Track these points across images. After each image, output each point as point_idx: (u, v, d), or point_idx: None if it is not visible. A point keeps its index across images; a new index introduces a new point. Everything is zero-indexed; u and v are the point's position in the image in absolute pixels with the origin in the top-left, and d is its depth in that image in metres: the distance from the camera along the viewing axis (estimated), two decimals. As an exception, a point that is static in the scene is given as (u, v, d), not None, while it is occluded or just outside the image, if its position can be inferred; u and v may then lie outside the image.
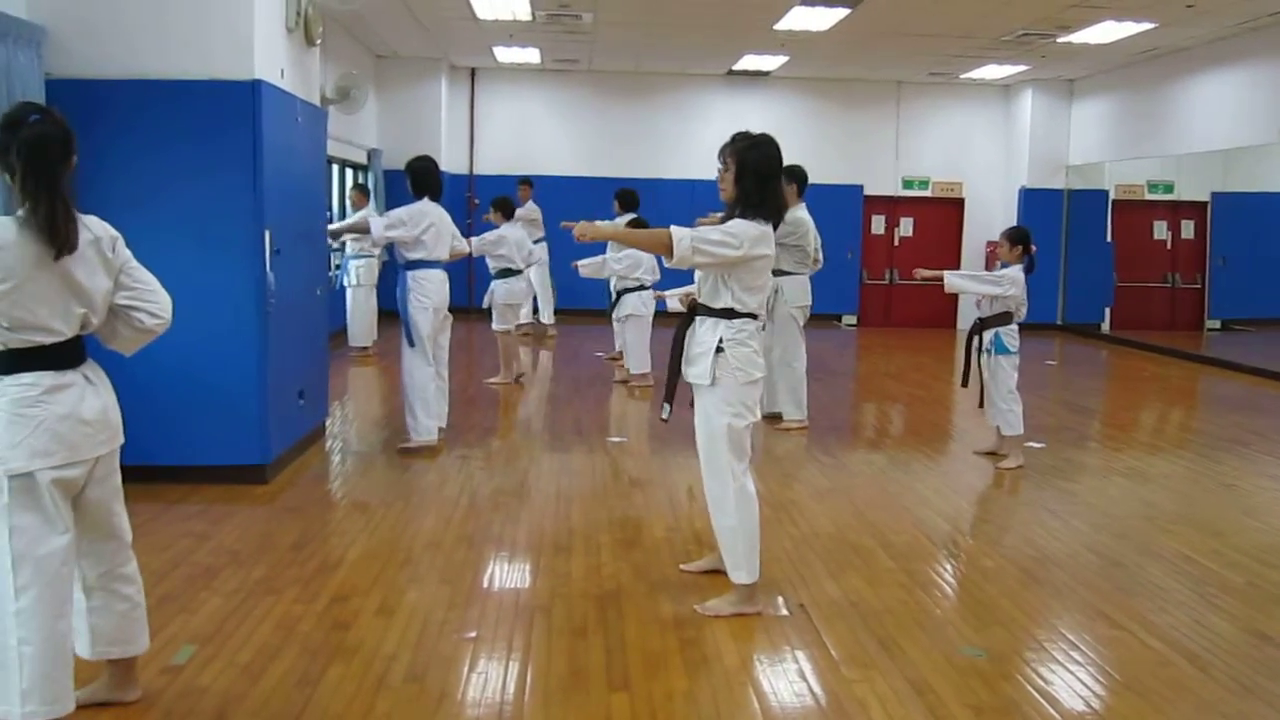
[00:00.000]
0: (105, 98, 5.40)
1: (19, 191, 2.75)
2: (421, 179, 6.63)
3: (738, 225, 3.89)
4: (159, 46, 5.47)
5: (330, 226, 6.87)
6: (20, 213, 2.74)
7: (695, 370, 4.01)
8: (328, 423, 7.14)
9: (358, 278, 11.02)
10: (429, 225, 6.50)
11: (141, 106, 5.43)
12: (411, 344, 6.50)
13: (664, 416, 4.25)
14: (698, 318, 4.05)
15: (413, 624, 3.84)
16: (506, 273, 9.04)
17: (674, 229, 3.86)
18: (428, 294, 6.50)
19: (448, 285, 6.79)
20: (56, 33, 5.39)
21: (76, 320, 2.85)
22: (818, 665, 3.59)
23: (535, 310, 12.28)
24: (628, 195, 10.25)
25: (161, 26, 5.48)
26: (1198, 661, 3.68)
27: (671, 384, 4.19)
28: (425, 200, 6.58)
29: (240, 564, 4.44)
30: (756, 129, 4.12)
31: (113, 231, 2.95)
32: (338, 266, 12.19)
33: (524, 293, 9.58)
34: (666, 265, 4.10)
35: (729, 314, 3.95)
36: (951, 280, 6.67)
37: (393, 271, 7.13)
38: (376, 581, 4.28)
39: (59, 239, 2.72)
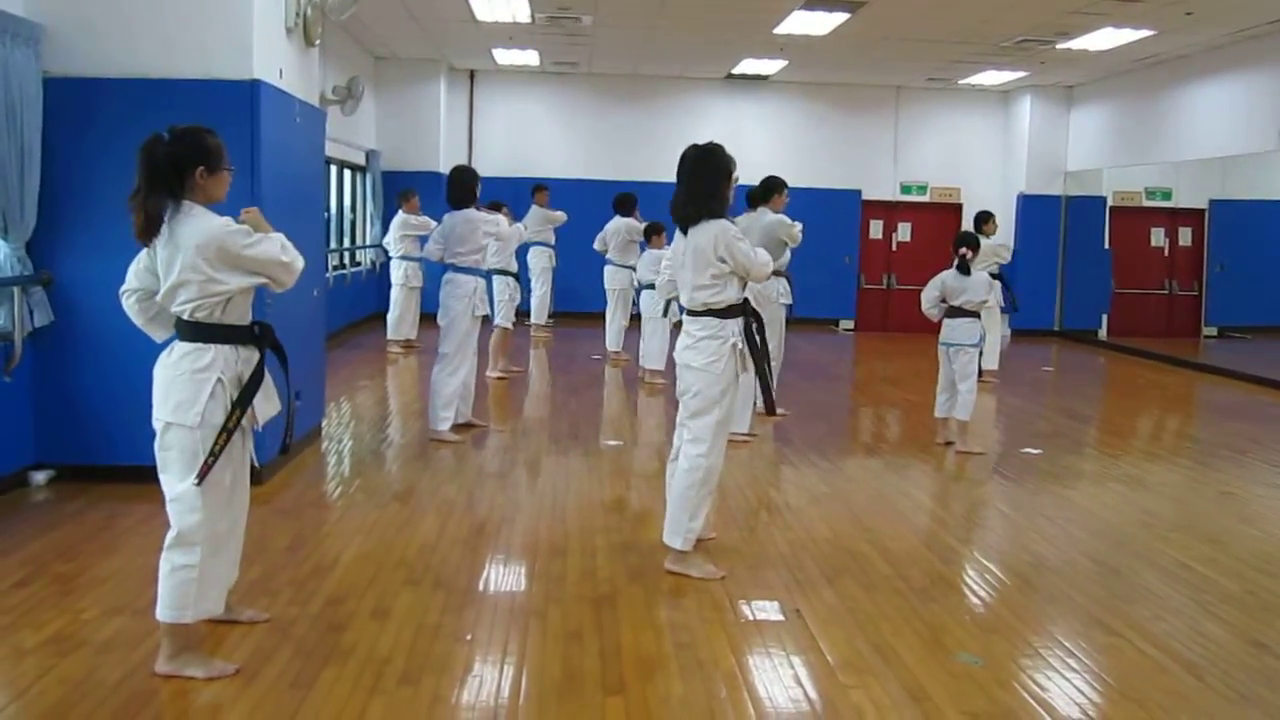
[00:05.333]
0: (103, 96, 5.39)
1: None
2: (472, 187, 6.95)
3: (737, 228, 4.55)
4: (158, 45, 5.46)
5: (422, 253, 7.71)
6: None
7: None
8: (324, 424, 7.13)
9: (406, 276, 11.38)
10: None
11: (140, 105, 5.40)
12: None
13: (782, 411, 4.86)
14: (737, 319, 4.43)
15: (407, 627, 3.83)
16: (501, 273, 9.56)
17: (762, 259, 4.48)
18: None
19: None
20: (55, 31, 5.38)
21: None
22: (813, 670, 3.58)
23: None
24: (622, 199, 10.44)
25: (160, 25, 5.47)
26: (1195, 670, 3.67)
27: (766, 383, 4.71)
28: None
29: (235, 565, 4.41)
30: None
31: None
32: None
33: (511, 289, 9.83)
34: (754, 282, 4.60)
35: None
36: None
37: (437, 272, 7.22)
38: (371, 584, 4.27)
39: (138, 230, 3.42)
